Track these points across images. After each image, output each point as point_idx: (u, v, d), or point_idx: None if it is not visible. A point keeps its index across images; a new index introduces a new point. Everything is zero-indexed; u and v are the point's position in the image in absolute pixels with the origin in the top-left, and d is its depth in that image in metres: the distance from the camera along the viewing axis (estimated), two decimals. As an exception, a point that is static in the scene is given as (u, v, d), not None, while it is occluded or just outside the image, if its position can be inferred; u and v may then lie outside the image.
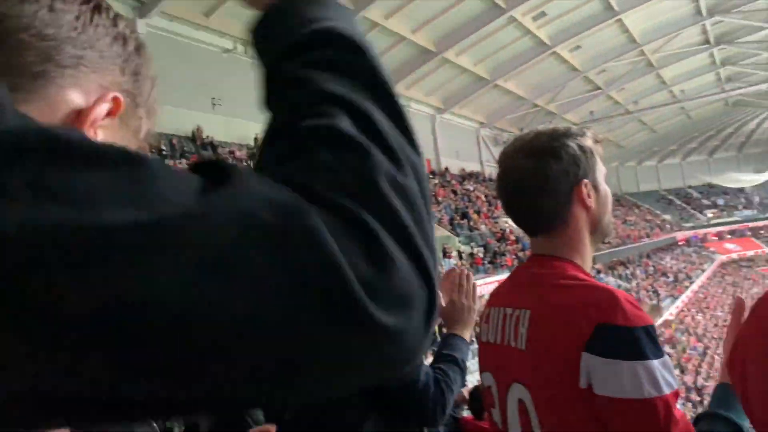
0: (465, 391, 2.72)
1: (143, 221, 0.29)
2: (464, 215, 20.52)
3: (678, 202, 40.22)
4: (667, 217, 37.87)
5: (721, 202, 39.33)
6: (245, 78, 16.59)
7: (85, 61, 0.48)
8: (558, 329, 0.99)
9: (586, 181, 1.12)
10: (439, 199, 20.31)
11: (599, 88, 26.51)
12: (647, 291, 25.82)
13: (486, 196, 23.29)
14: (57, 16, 0.47)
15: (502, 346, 1.13)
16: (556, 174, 1.10)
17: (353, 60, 0.42)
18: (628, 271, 27.55)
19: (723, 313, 28.07)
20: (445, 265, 13.19)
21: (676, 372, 7.94)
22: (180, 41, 13.47)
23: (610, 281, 21.60)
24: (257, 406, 0.34)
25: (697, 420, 1.02)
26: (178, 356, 0.29)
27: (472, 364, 3.30)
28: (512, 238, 20.31)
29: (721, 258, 33.56)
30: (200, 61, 13.78)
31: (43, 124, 0.32)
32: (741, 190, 39.60)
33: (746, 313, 1.15)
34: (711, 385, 15.52)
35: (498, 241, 19.98)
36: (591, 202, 1.13)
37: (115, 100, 0.50)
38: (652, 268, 29.89)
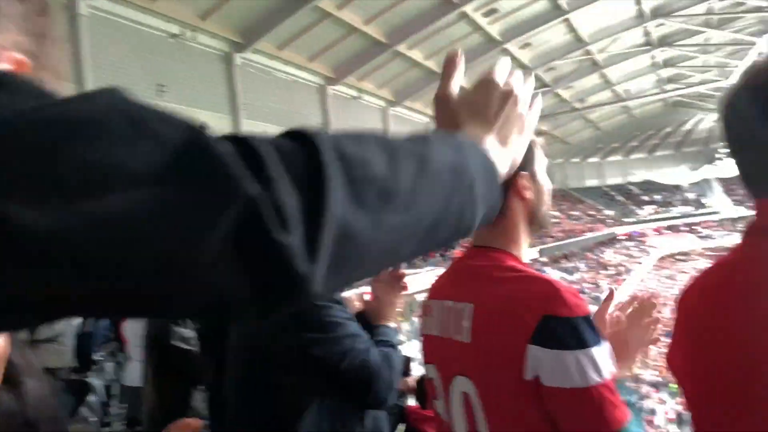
0: (412, 381, 2.74)
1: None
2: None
3: (619, 198, 41.65)
4: (609, 212, 39.18)
5: (659, 198, 40.98)
6: (193, 65, 16.01)
7: None
8: (502, 322, 1.00)
9: (523, 173, 1.13)
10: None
11: (548, 86, 27.13)
12: (589, 284, 26.68)
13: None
14: None
15: (445, 339, 1.13)
16: None
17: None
18: (571, 265, 28.41)
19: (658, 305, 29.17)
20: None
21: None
22: (124, 24, 12.94)
23: (555, 274, 22.21)
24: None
25: None
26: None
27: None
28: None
29: (658, 252, 35.00)
30: (145, 46, 13.27)
31: None
32: (678, 187, 41.39)
33: (612, 303, 1.22)
34: (644, 373, 16.20)
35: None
36: (528, 193, 1.14)
37: (16, 61, 0.47)
38: (593, 262, 30.91)
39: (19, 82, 0.33)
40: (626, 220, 38.69)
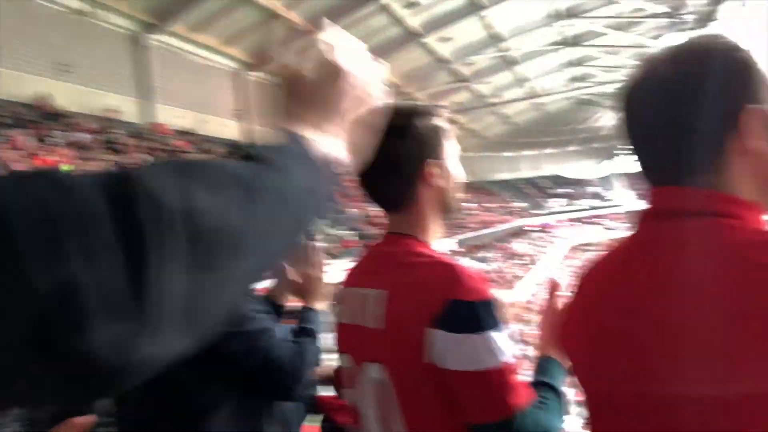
0: (330, 370, 2.71)
1: None
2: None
3: (529, 191, 43.38)
4: (520, 204, 40.72)
5: (568, 191, 43.04)
6: (99, 44, 14.99)
7: None
8: (410, 307, 1.00)
9: (430, 160, 1.12)
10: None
11: (466, 80, 27.74)
12: (501, 273, 27.66)
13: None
14: None
15: (359, 327, 1.11)
16: (401, 153, 1.10)
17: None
18: (488, 254, 29.33)
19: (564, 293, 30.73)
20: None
21: (524, 347, 8.52)
22: (20, -4, 11.97)
23: (471, 263, 22.75)
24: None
25: None
26: None
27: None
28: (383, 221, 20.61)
29: (565, 243, 36.71)
30: (44, 22, 12.35)
31: None
32: (584, 181, 43.66)
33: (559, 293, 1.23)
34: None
35: (369, 224, 20.28)
36: (437, 181, 1.13)
37: None
38: (505, 252, 32.06)
39: None
40: (535, 212, 40.35)
